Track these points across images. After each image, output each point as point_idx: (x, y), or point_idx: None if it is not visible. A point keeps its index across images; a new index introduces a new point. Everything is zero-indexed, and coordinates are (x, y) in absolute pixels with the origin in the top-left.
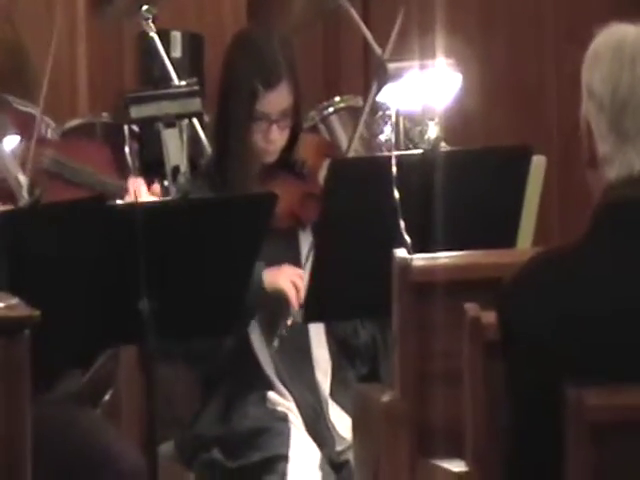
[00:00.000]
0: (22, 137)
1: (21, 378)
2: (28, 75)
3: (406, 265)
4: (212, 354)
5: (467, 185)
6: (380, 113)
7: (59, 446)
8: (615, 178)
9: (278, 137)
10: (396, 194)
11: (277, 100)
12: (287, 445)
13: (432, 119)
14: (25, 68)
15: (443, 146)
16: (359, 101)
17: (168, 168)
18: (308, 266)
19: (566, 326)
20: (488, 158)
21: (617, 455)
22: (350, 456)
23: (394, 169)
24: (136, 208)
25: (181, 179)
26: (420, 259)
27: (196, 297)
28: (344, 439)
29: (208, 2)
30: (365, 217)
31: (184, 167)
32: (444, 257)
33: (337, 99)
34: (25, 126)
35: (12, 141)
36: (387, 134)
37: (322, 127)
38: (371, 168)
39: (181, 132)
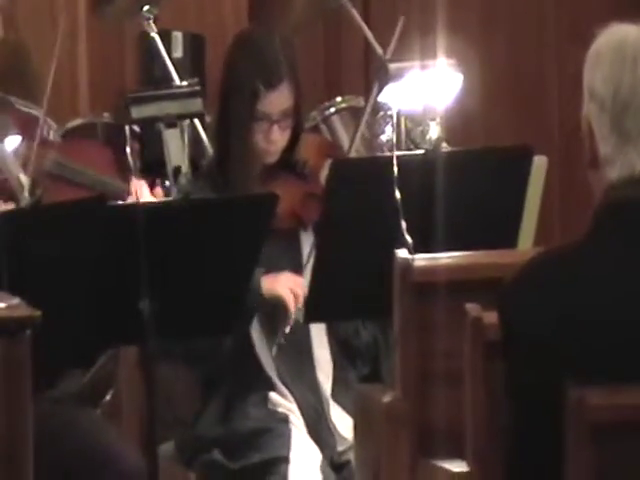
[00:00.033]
0: (24, 138)
1: (22, 378)
2: (30, 76)
3: (407, 265)
4: (212, 354)
5: (468, 185)
6: (381, 113)
7: (60, 446)
8: (616, 178)
9: (279, 137)
10: (397, 194)
11: (278, 100)
12: (288, 447)
13: (433, 119)
14: (27, 69)
15: (444, 146)
16: (360, 101)
17: (169, 168)
18: (309, 266)
19: (567, 326)
20: (489, 158)
21: (618, 455)
22: (351, 456)
23: (395, 169)
24: (137, 208)
25: (182, 180)
26: (421, 259)
27: (197, 297)
28: (345, 439)
29: (209, 2)
30: (366, 217)
31: (185, 167)
32: (445, 257)
33: (338, 99)
34: (27, 127)
35: (14, 141)
36: (388, 134)
37: (323, 127)
38: (372, 168)
39: (182, 132)
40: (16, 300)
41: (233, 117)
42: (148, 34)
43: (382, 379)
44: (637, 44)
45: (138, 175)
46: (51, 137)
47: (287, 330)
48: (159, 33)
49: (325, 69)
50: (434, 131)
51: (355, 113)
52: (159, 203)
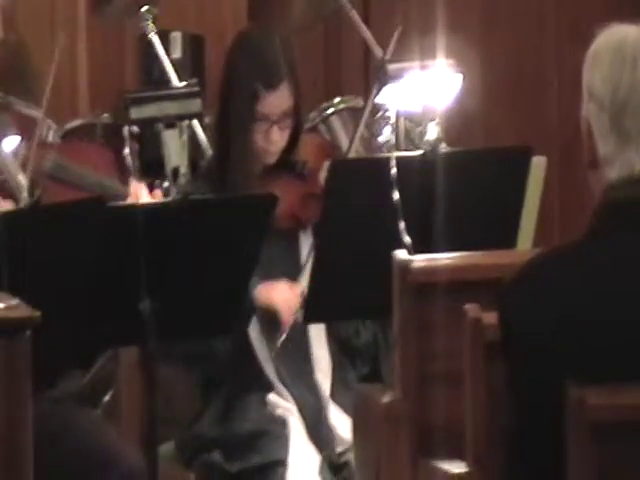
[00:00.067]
0: (23, 138)
1: (22, 379)
2: (30, 76)
3: (406, 266)
4: (211, 356)
5: (467, 186)
6: (380, 114)
7: (59, 446)
8: (616, 178)
9: (279, 138)
10: (396, 195)
11: (278, 101)
12: (286, 450)
13: (432, 120)
14: (27, 69)
15: (443, 147)
16: (359, 102)
17: (168, 169)
18: (308, 267)
19: (566, 326)
20: (488, 159)
21: (618, 454)
22: (350, 457)
23: (394, 170)
24: (136, 209)
25: (181, 180)
26: (420, 260)
27: (196, 297)
28: (344, 440)
29: (208, 3)
30: (365, 218)
31: (184, 168)
32: (444, 258)
33: (337, 100)
34: (26, 127)
35: (13, 142)
36: (387, 135)
37: (322, 128)
38: (371, 169)
39: (181, 133)
40: (15, 301)
41: (233, 117)
42: (147, 35)
43: (382, 379)
44: (636, 44)
45: (137, 176)
46: (50, 138)
47: (282, 339)
48: (158, 34)
49: (325, 70)
50: (433, 132)
51: (354, 114)
52: (158, 203)
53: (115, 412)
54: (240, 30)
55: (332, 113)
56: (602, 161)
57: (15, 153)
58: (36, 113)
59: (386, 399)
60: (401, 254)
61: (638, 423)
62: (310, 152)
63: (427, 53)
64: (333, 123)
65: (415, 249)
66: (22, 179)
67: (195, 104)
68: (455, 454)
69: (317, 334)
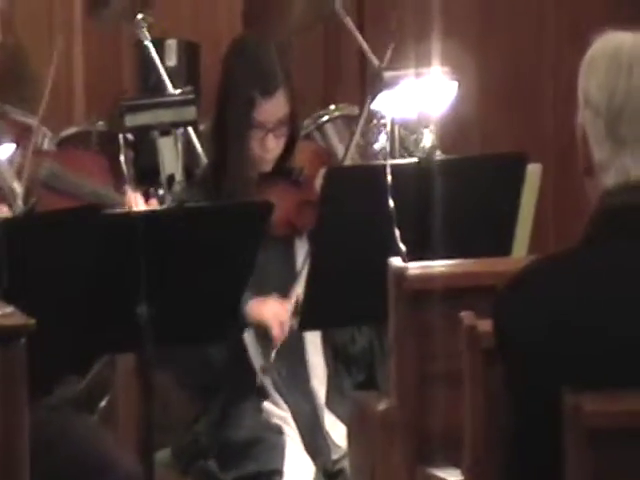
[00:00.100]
0: (18, 146)
1: (17, 386)
2: (27, 80)
3: (402, 273)
4: (207, 364)
5: (462, 193)
6: (375, 121)
7: (56, 453)
8: (612, 185)
9: (274, 145)
10: (391, 202)
11: (274, 108)
12: (282, 459)
13: (427, 127)
14: (25, 73)
15: (438, 154)
16: (354, 110)
17: (163, 177)
18: (304, 273)
19: (562, 333)
20: (483, 166)
21: (615, 461)
22: (345, 465)
23: (389, 177)
24: (132, 216)
25: (176, 188)
26: (415, 267)
27: (193, 304)
28: (339, 448)
29: (204, 10)
30: (361, 225)
31: (179, 175)
32: (439, 265)
33: (332, 107)
34: (21, 135)
35: (8, 150)
36: (382, 142)
37: (317, 135)
38: (367, 176)
39: (176, 140)
40: (10, 308)
41: (229, 125)
42: (143, 42)
43: (377, 386)
44: (632, 51)
45: (132, 183)
46: (46, 145)
47: (273, 355)
48: (153, 41)
49: (321, 78)
50: (428, 139)
51: (348, 121)
52: (154, 211)
53: (112, 418)
54: (235, 37)
55: (326, 121)
56: (598, 168)
57: (10, 161)
58: (31, 121)
59: (382, 406)
60: (396, 261)
61: (634, 429)
62: (306, 159)
63: (422, 60)
64: (327, 131)
65: (410, 256)
66: (17, 187)
67: (190, 112)
68: (451, 462)
69: (313, 341)
